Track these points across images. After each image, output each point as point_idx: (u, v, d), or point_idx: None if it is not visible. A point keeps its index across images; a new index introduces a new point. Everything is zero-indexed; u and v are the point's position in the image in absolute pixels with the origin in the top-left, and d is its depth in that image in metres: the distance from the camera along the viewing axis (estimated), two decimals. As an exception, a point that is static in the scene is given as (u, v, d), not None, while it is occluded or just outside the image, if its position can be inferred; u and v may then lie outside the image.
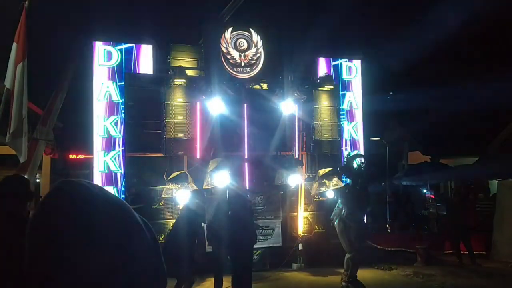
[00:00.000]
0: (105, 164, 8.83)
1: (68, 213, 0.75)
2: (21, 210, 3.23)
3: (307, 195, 10.15)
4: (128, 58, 9.23)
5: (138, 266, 0.76)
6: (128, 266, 0.74)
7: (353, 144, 10.75)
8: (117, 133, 8.96)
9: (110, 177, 8.84)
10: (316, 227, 10.23)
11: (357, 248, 7.70)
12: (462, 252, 10.34)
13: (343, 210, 7.80)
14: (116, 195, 9.16)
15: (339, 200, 8.04)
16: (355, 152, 9.77)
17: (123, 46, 9.24)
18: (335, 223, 7.90)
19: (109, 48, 9.14)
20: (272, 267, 9.47)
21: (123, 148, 8.98)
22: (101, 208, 0.77)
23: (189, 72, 9.53)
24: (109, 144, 8.92)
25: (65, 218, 0.75)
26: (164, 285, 0.84)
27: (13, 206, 3.19)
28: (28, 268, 0.75)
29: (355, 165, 8.16)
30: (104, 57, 9.08)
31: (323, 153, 10.42)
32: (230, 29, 9.83)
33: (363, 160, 8.29)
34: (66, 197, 0.78)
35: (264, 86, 10.31)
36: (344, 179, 9.69)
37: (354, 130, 10.80)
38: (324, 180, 9.82)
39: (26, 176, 7.17)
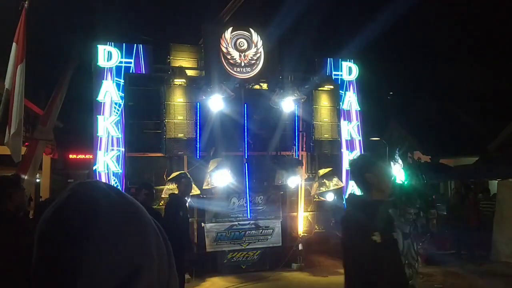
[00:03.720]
0: (105, 164, 8.83)
1: (86, 217, 0.74)
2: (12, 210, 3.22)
3: (307, 195, 10.15)
4: (128, 58, 9.23)
5: (154, 268, 0.76)
6: (144, 268, 0.74)
7: (353, 144, 10.75)
8: (117, 133, 8.96)
9: (110, 177, 8.84)
10: (316, 227, 10.24)
11: None
12: (462, 252, 10.33)
13: None
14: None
15: None
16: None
17: (123, 46, 9.24)
18: None
19: (109, 48, 9.13)
20: (272, 267, 9.47)
21: (123, 148, 8.99)
22: (118, 210, 0.76)
23: (189, 72, 9.54)
24: (109, 144, 8.92)
25: (82, 222, 0.73)
26: (176, 284, 0.84)
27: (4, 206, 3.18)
28: (38, 273, 0.73)
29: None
30: (104, 57, 9.08)
31: (323, 153, 10.43)
32: (230, 29, 9.82)
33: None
34: (83, 200, 0.76)
35: (264, 86, 10.31)
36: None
37: (354, 130, 10.79)
38: (324, 180, 9.83)
39: (26, 177, 7.20)
